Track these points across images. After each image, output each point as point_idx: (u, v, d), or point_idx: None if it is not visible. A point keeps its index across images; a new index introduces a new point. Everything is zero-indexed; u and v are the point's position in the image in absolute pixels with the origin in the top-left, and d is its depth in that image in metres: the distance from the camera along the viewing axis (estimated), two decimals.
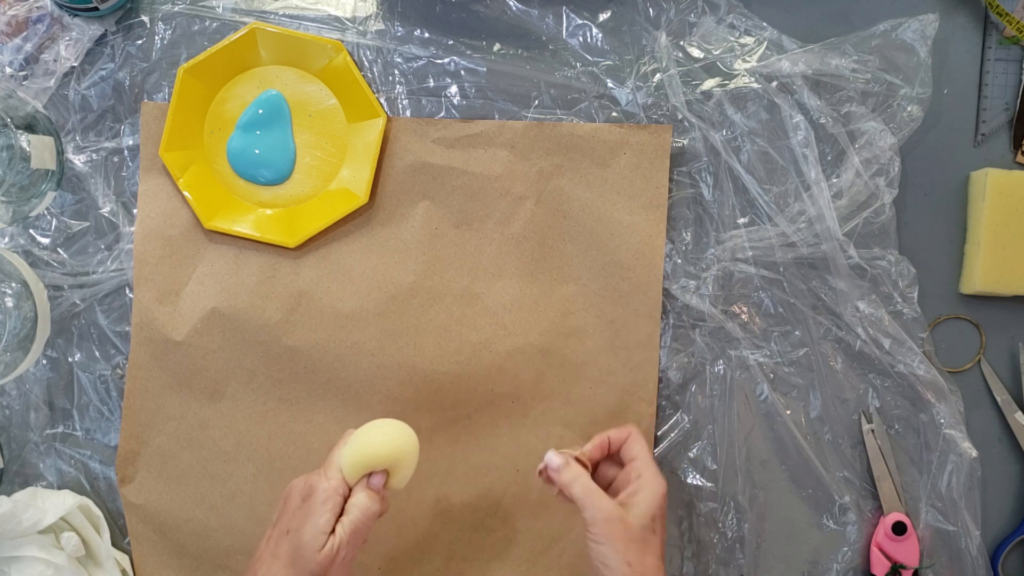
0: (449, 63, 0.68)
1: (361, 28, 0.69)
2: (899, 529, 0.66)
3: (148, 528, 0.69)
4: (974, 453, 0.66)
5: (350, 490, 0.54)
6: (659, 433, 0.68)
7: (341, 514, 0.53)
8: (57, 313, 0.69)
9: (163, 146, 0.67)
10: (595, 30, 0.68)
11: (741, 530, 0.68)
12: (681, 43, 0.68)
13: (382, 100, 0.68)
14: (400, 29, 0.69)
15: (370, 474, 0.55)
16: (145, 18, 0.69)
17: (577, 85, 0.68)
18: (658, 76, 0.67)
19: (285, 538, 0.53)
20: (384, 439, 0.55)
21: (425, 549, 0.68)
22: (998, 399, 0.68)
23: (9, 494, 0.67)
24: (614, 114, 0.68)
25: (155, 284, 0.68)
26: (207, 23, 0.69)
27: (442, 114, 0.68)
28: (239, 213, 0.68)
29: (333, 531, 0.52)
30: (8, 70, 0.68)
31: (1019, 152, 0.68)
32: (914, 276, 0.67)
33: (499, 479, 0.68)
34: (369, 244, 0.68)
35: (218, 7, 0.69)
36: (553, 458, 0.55)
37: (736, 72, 0.67)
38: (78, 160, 0.69)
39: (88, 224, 0.69)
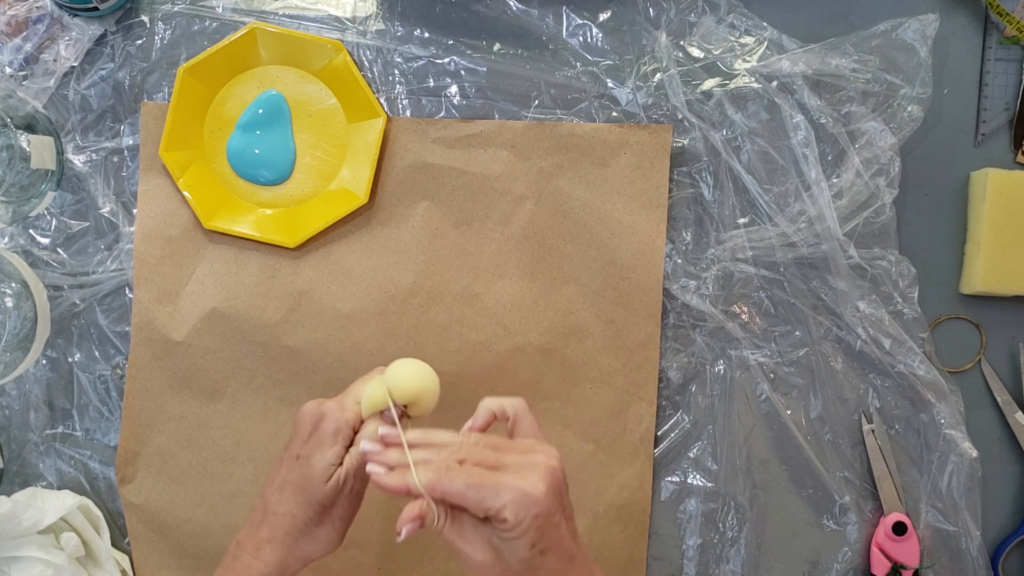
0: (449, 63, 0.68)
1: (361, 28, 0.69)
2: (899, 529, 0.66)
3: (148, 528, 0.69)
4: (974, 453, 0.66)
5: (362, 423, 0.54)
6: (659, 433, 0.68)
7: (351, 445, 0.53)
8: (57, 313, 0.69)
9: (163, 146, 0.67)
10: (595, 30, 0.68)
11: (741, 530, 0.68)
12: (681, 43, 0.68)
13: (382, 100, 0.68)
14: (400, 29, 0.69)
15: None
16: (145, 18, 0.69)
17: (577, 85, 0.68)
18: (658, 76, 0.67)
19: (295, 464, 0.53)
20: (403, 377, 0.53)
21: (425, 549, 0.68)
22: (998, 399, 0.68)
23: (9, 494, 0.67)
24: (614, 114, 0.68)
25: (155, 284, 0.68)
26: (207, 23, 0.69)
27: (442, 114, 0.68)
28: (239, 213, 0.68)
29: (341, 462, 0.52)
30: (8, 70, 0.68)
31: (1019, 152, 0.68)
32: (914, 276, 0.67)
33: None
34: (369, 244, 0.68)
35: (218, 7, 0.69)
36: (410, 513, 0.47)
37: (736, 72, 0.67)
38: (78, 160, 0.69)
39: (88, 224, 0.69)
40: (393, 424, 0.52)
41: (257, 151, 0.68)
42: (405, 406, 0.53)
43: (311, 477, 0.52)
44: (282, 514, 0.53)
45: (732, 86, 0.67)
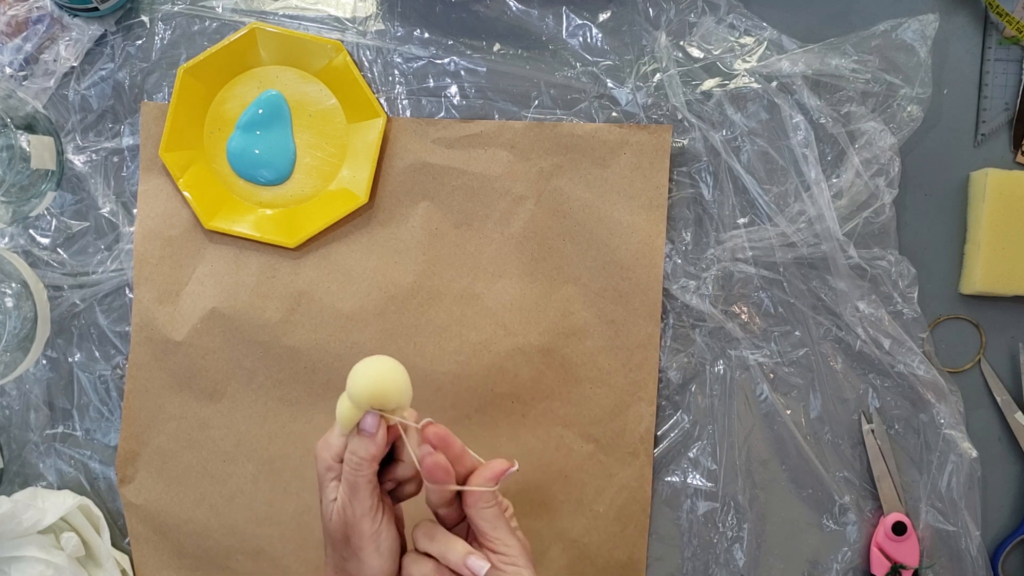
0: (449, 63, 0.68)
1: (361, 28, 0.69)
2: (899, 529, 0.66)
3: (148, 528, 0.69)
4: (974, 453, 0.66)
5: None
6: (659, 433, 0.68)
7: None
8: (57, 313, 0.69)
9: (163, 146, 0.67)
10: (595, 30, 0.68)
11: (741, 530, 0.68)
12: (681, 43, 0.68)
13: (382, 100, 0.68)
14: (400, 29, 0.69)
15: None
16: (145, 18, 0.69)
17: (577, 85, 0.68)
18: (658, 76, 0.67)
19: (320, 509, 0.54)
20: (357, 382, 0.50)
21: None
22: (998, 399, 0.68)
23: (9, 494, 0.67)
24: (614, 114, 0.68)
25: (155, 284, 0.68)
26: (207, 23, 0.69)
27: (442, 114, 0.68)
28: (239, 213, 0.68)
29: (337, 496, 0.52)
30: (8, 70, 0.68)
31: (1019, 152, 0.68)
32: (914, 276, 0.67)
33: None
34: (369, 244, 0.68)
35: (218, 7, 0.69)
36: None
37: (736, 72, 0.67)
38: (78, 160, 0.69)
39: (88, 224, 0.69)
40: (368, 432, 0.51)
41: (257, 151, 0.68)
42: (379, 409, 0.51)
43: (324, 518, 0.53)
44: (328, 563, 0.53)
45: (732, 86, 0.67)
